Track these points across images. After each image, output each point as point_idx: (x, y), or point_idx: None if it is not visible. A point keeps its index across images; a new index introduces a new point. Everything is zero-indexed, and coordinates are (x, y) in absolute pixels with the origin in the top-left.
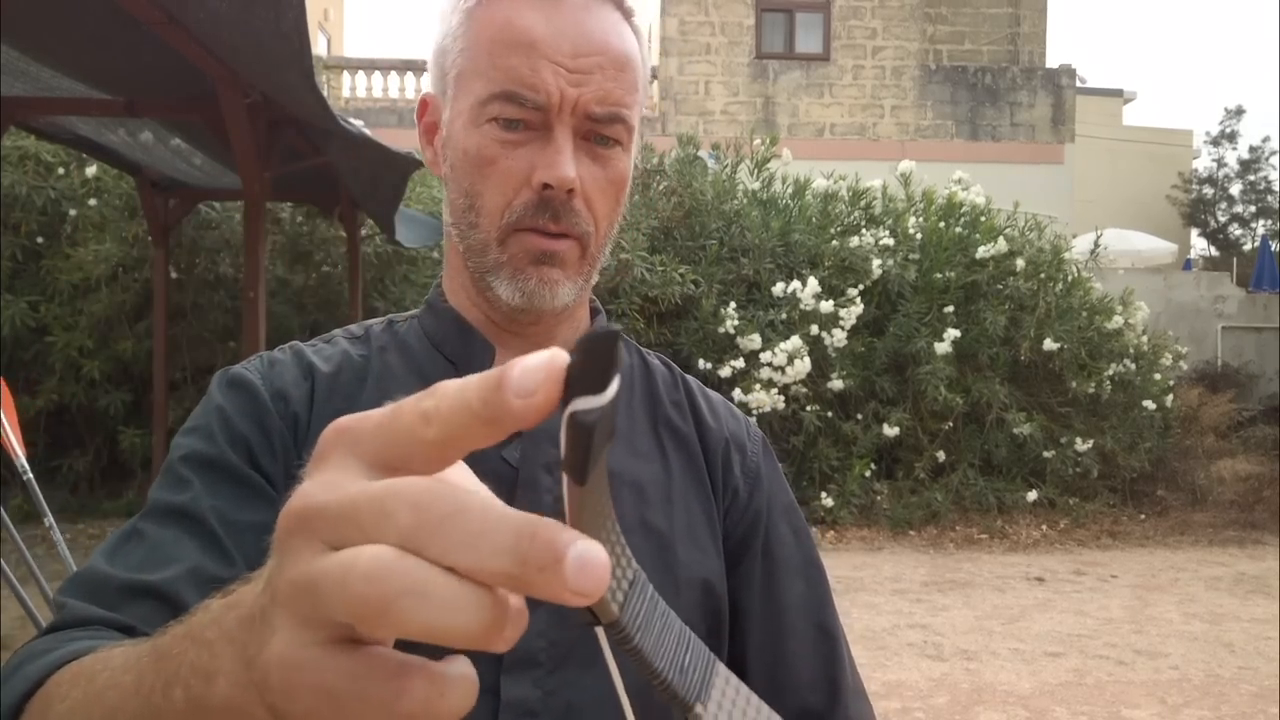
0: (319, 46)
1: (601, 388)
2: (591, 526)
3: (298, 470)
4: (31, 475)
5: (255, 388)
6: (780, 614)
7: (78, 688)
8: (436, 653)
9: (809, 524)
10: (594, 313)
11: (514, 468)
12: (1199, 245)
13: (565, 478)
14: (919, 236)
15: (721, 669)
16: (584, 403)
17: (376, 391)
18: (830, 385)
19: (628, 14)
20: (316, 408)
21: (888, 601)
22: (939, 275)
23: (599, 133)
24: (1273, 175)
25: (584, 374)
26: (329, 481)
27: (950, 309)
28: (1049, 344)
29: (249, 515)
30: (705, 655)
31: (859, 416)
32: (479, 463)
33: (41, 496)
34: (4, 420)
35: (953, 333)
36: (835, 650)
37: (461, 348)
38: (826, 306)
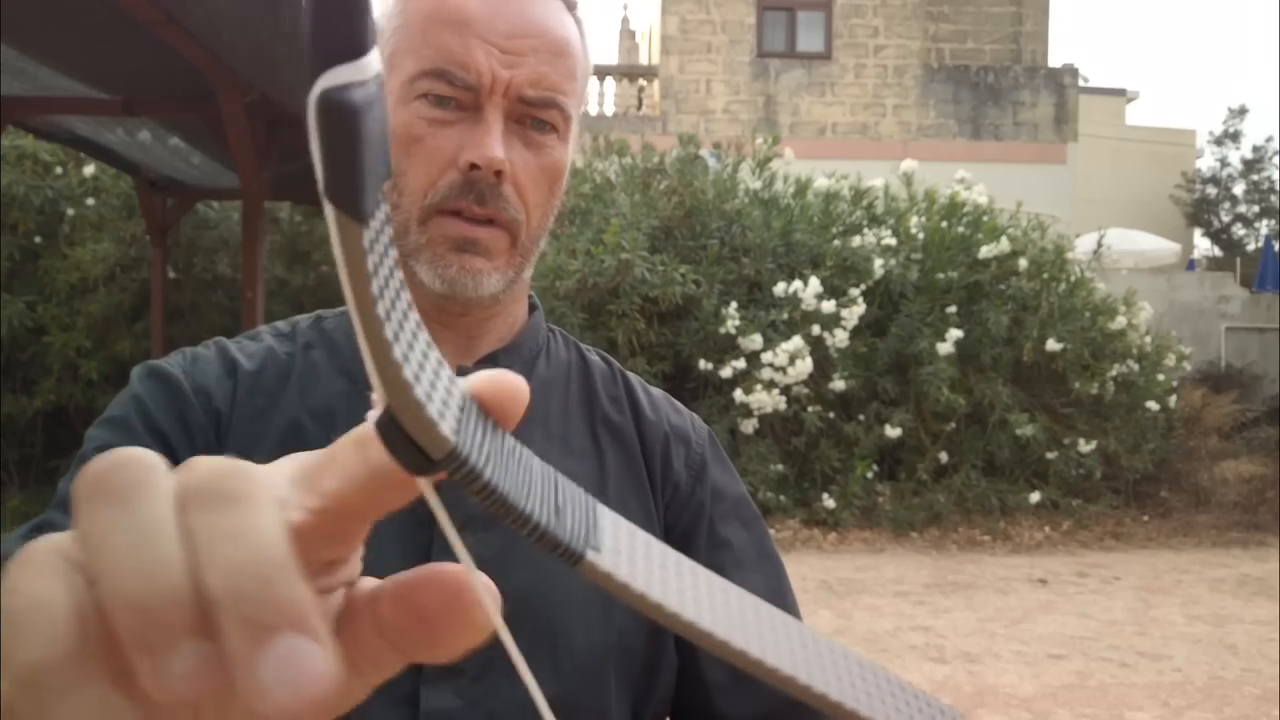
0: None
1: (357, 50)
2: (378, 322)
3: None
4: None
5: (177, 381)
6: None
7: None
8: None
9: (812, 526)
10: (532, 308)
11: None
12: (1202, 245)
13: (332, 214)
14: (921, 236)
15: (606, 510)
16: (338, 74)
17: (299, 390)
18: (832, 386)
19: (570, 5)
20: (238, 405)
21: (890, 604)
22: (941, 275)
23: (533, 116)
24: (1276, 175)
25: (327, 28)
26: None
27: (953, 309)
28: (1052, 344)
29: None
30: (582, 496)
31: (861, 417)
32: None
33: None
34: None
35: (955, 333)
36: None
37: None
38: (828, 306)
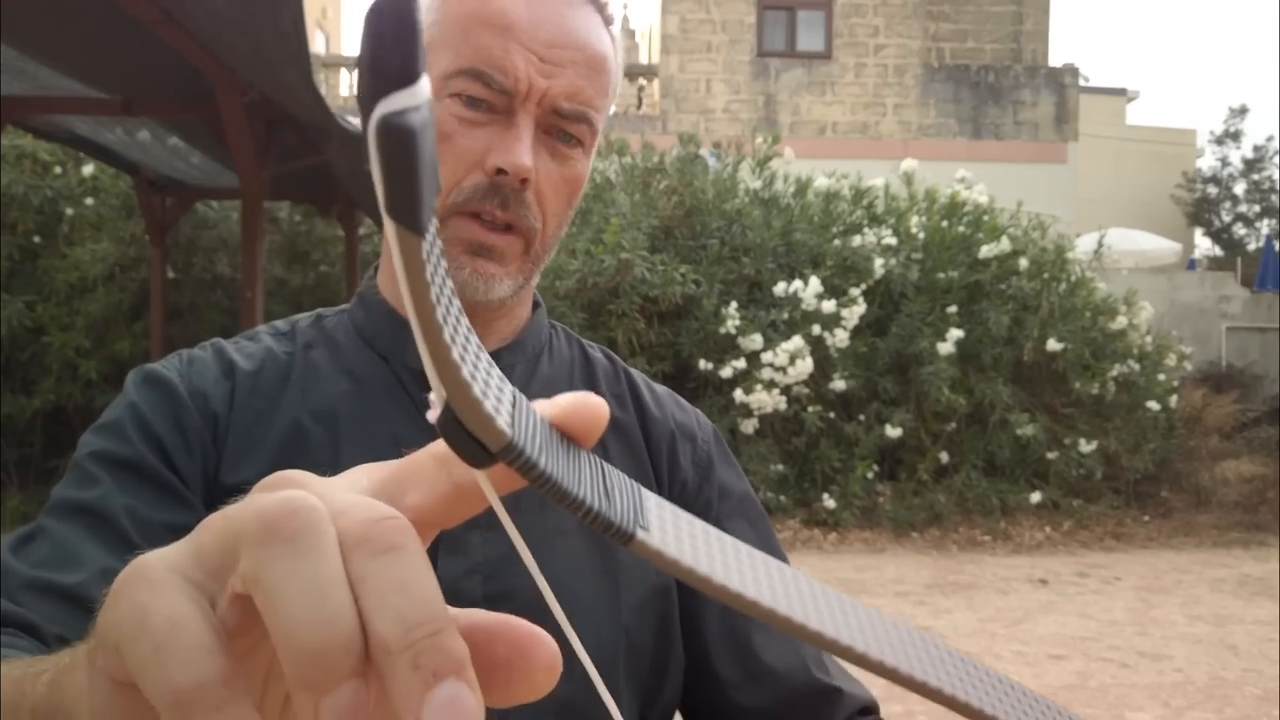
0: (317, 45)
1: (410, 77)
2: (437, 327)
3: (215, 472)
4: None
5: (173, 385)
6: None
7: None
8: None
9: (812, 526)
10: (534, 305)
11: None
12: (1203, 245)
13: (392, 229)
14: (921, 236)
15: (650, 494)
16: (395, 101)
17: (300, 390)
18: (832, 386)
19: (607, 20)
20: (237, 407)
21: (890, 604)
22: (942, 275)
23: (562, 129)
24: (1277, 174)
25: (383, 59)
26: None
27: (953, 309)
28: (1052, 344)
29: (163, 515)
30: (626, 480)
31: (861, 417)
32: None
33: None
34: None
35: (956, 333)
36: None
37: (393, 341)
38: (828, 306)
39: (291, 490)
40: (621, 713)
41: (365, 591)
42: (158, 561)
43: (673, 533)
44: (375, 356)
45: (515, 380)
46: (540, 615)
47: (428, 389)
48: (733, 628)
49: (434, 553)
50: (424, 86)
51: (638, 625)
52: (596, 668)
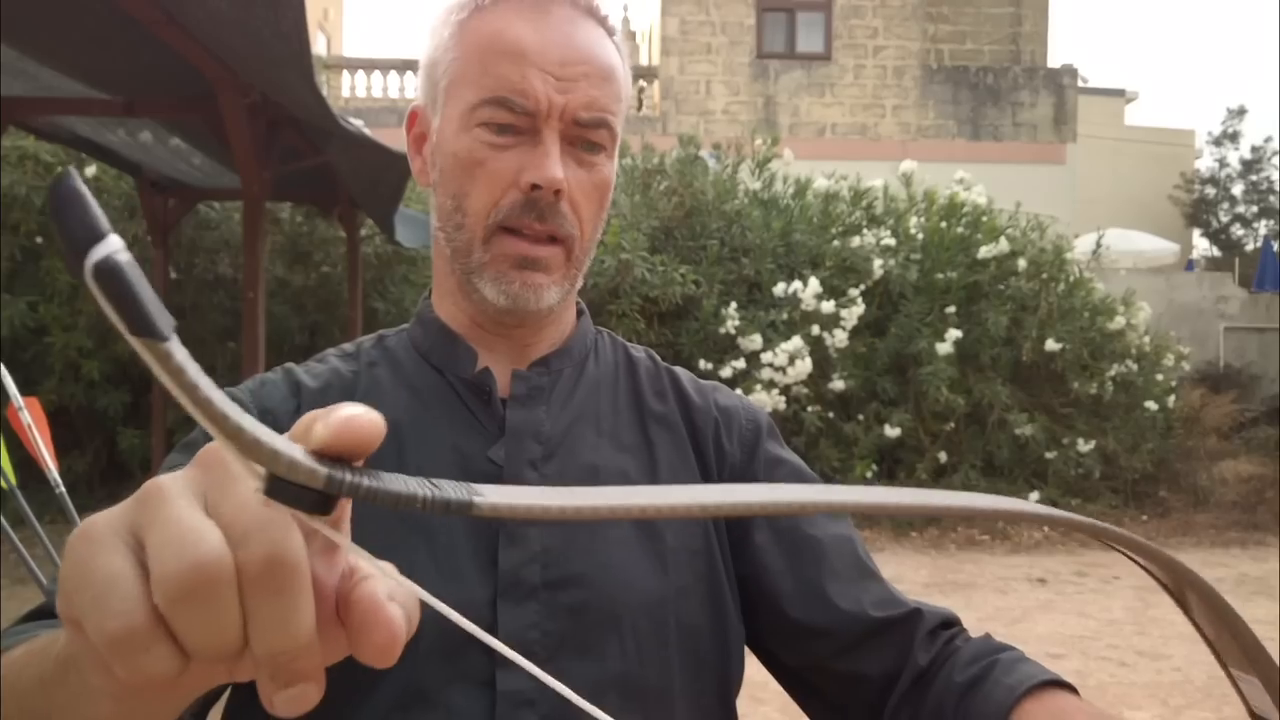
0: (318, 46)
1: (99, 233)
2: (220, 414)
3: None
4: (64, 489)
5: (244, 407)
6: (815, 561)
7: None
8: None
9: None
10: (580, 312)
11: (499, 465)
12: (1201, 245)
13: (140, 345)
14: (920, 237)
15: (489, 486)
16: (95, 254)
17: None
18: (831, 386)
19: (610, 31)
20: None
21: None
22: (940, 275)
23: (585, 138)
24: (1275, 175)
25: (74, 234)
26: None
27: (952, 309)
28: (1051, 344)
29: None
30: (458, 482)
31: (860, 417)
32: (466, 464)
33: (72, 509)
34: (38, 437)
35: (954, 333)
36: (881, 580)
37: (446, 354)
38: (828, 307)
39: (203, 544)
40: (674, 683)
41: (251, 623)
42: (102, 523)
43: (509, 496)
44: (432, 370)
45: (563, 382)
46: (597, 600)
47: (484, 396)
48: (805, 581)
49: (495, 544)
50: (113, 238)
51: (687, 605)
52: (651, 648)
